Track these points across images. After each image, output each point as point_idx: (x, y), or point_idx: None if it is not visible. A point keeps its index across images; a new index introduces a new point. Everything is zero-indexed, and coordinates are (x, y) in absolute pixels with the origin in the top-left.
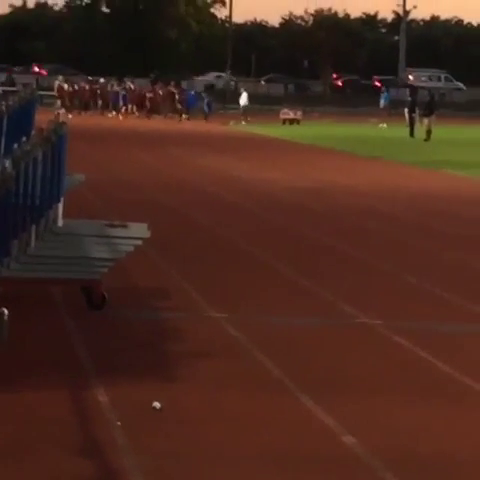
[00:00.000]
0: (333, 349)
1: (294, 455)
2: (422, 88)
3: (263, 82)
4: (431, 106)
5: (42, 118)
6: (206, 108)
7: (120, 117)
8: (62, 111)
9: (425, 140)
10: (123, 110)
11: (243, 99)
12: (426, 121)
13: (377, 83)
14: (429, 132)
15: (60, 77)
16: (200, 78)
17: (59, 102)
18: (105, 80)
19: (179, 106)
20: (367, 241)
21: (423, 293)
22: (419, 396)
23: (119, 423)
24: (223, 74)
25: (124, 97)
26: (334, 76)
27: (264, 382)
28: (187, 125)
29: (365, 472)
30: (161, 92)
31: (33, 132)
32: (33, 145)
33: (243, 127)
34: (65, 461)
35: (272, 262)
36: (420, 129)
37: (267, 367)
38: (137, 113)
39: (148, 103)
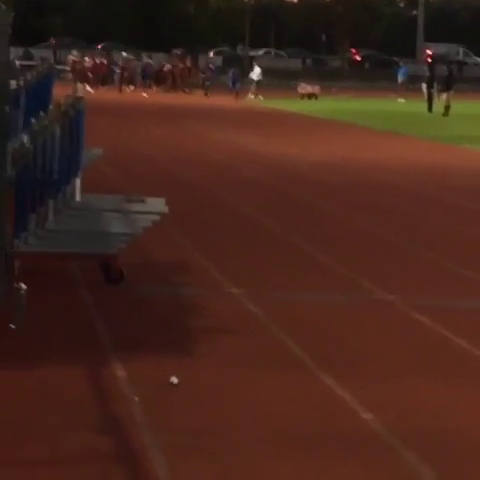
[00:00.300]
0: (352, 326)
1: (313, 432)
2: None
3: (284, 53)
4: (450, 81)
5: (59, 92)
6: (231, 83)
7: (144, 94)
8: (80, 86)
9: (443, 115)
10: (141, 85)
11: (255, 73)
12: (445, 96)
13: (357, 57)
14: (448, 107)
15: (74, 52)
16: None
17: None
18: (126, 55)
19: (207, 82)
20: (385, 216)
21: (442, 269)
22: (439, 373)
23: (137, 399)
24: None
25: (144, 72)
26: (353, 51)
27: (283, 359)
28: (205, 100)
29: (384, 449)
30: (181, 66)
31: (51, 107)
32: (51, 120)
33: (260, 102)
34: (83, 437)
35: (291, 237)
36: (438, 104)
37: (286, 344)
38: (155, 88)
39: (170, 78)
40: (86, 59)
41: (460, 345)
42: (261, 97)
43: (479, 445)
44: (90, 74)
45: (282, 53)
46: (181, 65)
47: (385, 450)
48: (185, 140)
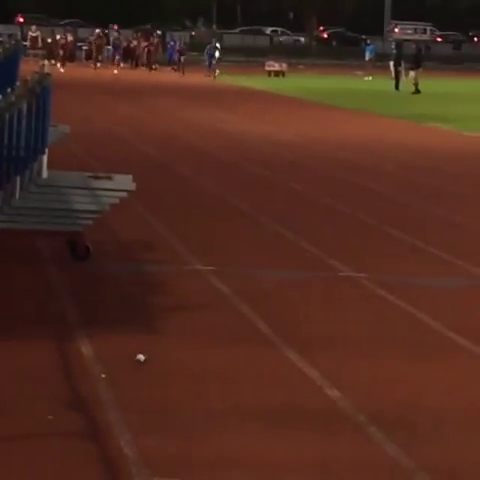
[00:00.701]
0: (318, 303)
1: (279, 408)
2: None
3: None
4: (418, 59)
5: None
6: (207, 59)
7: (115, 71)
8: (46, 62)
9: (414, 93)
10: (115, 61)
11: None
12: (412, 74)
13: (324, 35)
14: (416, 85)
15: (33, 27)
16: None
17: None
18: (98, 31)
19: (182, 58)
20: (350, 195)
21: (406, 247)
22: (403, 350)
23: (104, 376)
24: None
25: (113, 48)
26: (320, 29)
27: (249, 335)
28: (172, 77)
29: (349, 426)
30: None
31: (17, 83)
32: (17, 96)
33: (227, 79)
34: (48, 413)
35: (257, 215)
36: (405, 83)
37: (252, 320)
38: (123, 64)
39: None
40: (57, 36)
41: (426, 322)
42: (218, 71)
43: (445, 421)
44: (61, 51)
45: (288, 32)
46: (145, 43)
47: (351, 428)
48: (152, 117)
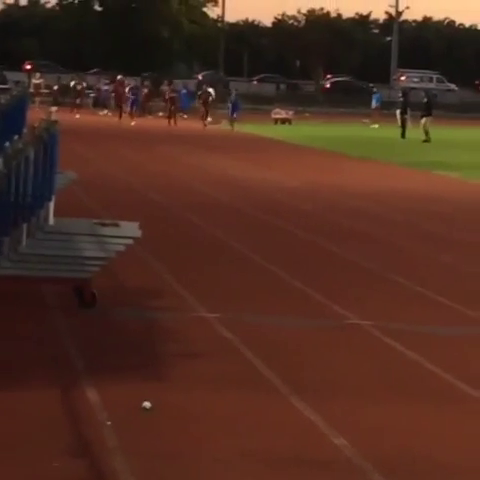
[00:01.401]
0: (325, 350)
1: (285, 457)
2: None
3: (255, 82)
4: (429, 107)
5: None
6: (230, 111)
7: (132, 123)
8: (54, 109)
9: (425, 141)
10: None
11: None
12: (424, 121)
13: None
14: (427, 133)
15: (37, 74)
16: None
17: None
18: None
19: (172, 107)
20: (357, 242)
21: (413, 295)
22: (410, 398)
23: (109, 423)
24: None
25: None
26: (328, 77)
27: (255, 383)
28: (181, 124)
29: (356, 474)
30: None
31: (25, 130)
32: (25, 143)
33: (235, 126)
34: (54, 461)
35: (264, 263)
36: (412, 130)
37: (258, 368)
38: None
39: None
40: (72, 83)
41: (431, 370)
42: (210, 119)
43: (448, 470)
44: (78, 99)
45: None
46: (145, 90)
47: (357, 475)
48: (159, 164)
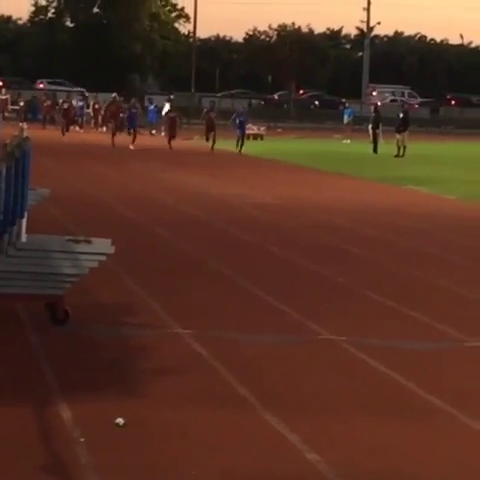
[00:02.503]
0: (298, 366)
1: (259, 472)
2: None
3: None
4: (405, 122)
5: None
6: (238, 128)
7: (131, 147)
8: (25, 125)
9: (399, 156)
10: (93, 124)
11: (166, 109)
12: (399, 137)
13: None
14: (404, 148)
15: (3, 91)
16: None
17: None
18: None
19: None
20: (329, 257)
21: (386, 310)
22: (383, 413)
23: (82, 439)
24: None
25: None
26: (300, 92)
27: (229, 399)
28: (151, 140)
29: None
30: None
31: None
32: None
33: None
34: (28, 479)
35: (236, 278)
36: (384, 145)
37: (232, 384)
38: (105, 128)
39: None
40: (60, 101)
41: (404, 385)
42: (163, 134)
43: None
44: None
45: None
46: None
47: None
48: (131, 180)
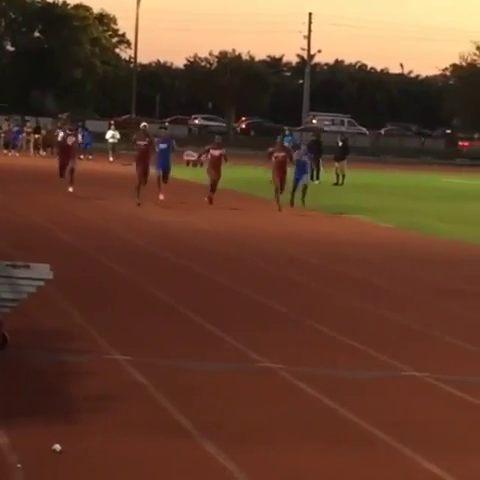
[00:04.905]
0: (236, 394)
1: None
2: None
3: (167, 123)
4: (345, 151)
5: None
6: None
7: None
8: None
9: (338, 184)
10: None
11: (108, 135)
12: (338, 165)
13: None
14: (343, 176)
15: None
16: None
17: None
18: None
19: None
20: (271, 286)
21: (325, 339)
22: (321, 443)
23: (19, 465)
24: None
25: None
26: (242, 119)
27: (166, 427)
28: (90, 165)
29: None
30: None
31: None
32: None
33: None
34: None
35: (177, 305)
36: (324, 174)
37: (170, 412)
38: (44, 153)
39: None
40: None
41: (341, 413)
42: (111, 158)
43: None
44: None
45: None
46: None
47: None
48: (72, 206)
